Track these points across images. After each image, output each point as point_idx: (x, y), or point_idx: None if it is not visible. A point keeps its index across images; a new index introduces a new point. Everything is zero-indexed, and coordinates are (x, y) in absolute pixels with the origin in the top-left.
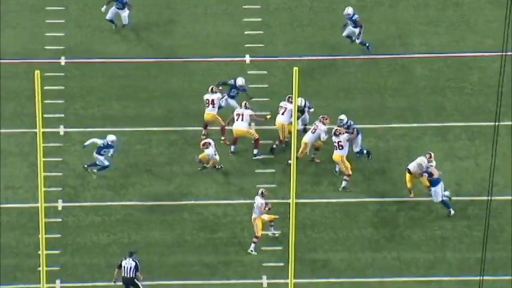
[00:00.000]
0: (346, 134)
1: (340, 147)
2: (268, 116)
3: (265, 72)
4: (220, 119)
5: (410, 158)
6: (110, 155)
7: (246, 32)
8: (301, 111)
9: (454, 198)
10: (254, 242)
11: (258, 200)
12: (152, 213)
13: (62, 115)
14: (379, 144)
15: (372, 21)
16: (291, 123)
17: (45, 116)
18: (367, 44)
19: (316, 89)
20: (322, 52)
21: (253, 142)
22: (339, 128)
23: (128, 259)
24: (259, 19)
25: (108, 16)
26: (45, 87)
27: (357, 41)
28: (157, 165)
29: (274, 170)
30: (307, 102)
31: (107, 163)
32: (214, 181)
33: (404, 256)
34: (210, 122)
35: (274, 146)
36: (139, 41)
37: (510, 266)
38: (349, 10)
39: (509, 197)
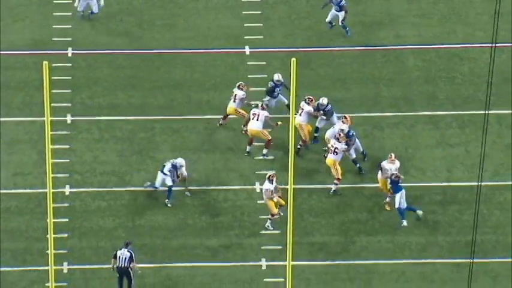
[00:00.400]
0: (345, 145)
1: (335, 153)
2: (279, 122)
3: (264, 63)
4: (242, 112)
5: (404, 145)
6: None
7: (245, 25)
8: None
9: (445, 183)
10: (270, 219)
11: (265, 185)
12: (155, 199)
13: (69, 104)
14: (374, 132)
15: (366, 14)
16: (308, 123)
17: (53, 105)
18: (347, 29)
19: (313, 79)
20: (319, 43)
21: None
22: (342, 134)
23: (123, 249)
24: (259, 12)
25: (81, 7)
26: (53, 78)
27: (340, 24)
28: (160, 153)
29: (273, 157)
30: (329, 105)
31: (170, 183)
32: (215, 168)
33: (397, 239)
34: (231, 114)
35: (299, 147)
36: (143, 34)
37: (499, 249)
38: None
39: (498, 183)
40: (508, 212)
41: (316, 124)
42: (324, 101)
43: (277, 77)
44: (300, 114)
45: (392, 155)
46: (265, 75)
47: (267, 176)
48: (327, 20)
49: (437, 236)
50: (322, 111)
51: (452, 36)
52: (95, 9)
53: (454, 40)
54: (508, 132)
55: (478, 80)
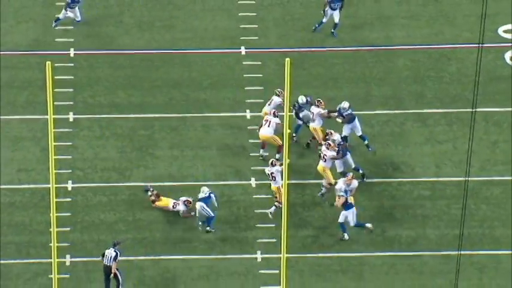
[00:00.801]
0: (333, 152)
1: (324, 159)
2: (288, 131)
3: (259, 62)
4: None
5: (394, 142)
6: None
7: (241, 26)
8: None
9: (433, 179)
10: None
11: (267, 169)
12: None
13: (71, 103)
14: (365, 129)
15: (357, 16)
16: (322, 126)
17: (55, 103)
18: (334, 30)
19: (306, 79)
20: (312, 44)
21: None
22: (332, 143)
23: (111, 249)
24: (254, 14)
25: (62, 16)
26: (55, 77)
27: (337, 21)
28: (159, 149)
29: (267, 154)
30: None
31: (212, 214)
32: (212, 164)
33: (388, 233)
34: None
35: (309, 142)
36: (142, 34)
37: (485, 242)
38: None
39: (485, 178)
40: (494, 206)
41: (343, 133)
42: (345, 104)
43: (300, 100)
44: (313, 119)
45: (350, 174)
46: (260, 75)
47: (270, 161)
48: (325, 20)
49: (426, 229)
50: (342, 116)
51: (441, 37)
52: (78, 18)
53: (442, 41)
54: (494, 129)
55: (465, 80)
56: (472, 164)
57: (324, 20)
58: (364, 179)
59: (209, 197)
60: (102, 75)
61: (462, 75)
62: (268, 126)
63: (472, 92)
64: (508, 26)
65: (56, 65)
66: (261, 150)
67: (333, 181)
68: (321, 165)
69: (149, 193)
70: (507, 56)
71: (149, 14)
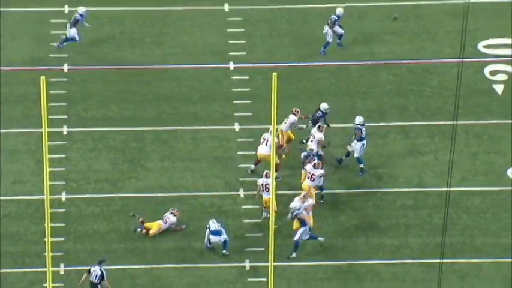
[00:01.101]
0: (322, 171)
1: (312, 179)
2: (286, 151)
3: (247, 77)
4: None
5: (378, 153)
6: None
7: (230, 42)
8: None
9: (416, 189)
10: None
11: (261, 180)
12: (146, 204)
13: (65, 116)
14: (350, 141)
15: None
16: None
17: (50, 117)
18: (325, 48)
19: (293, 93)
20: (298, 59)
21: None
22: (318, 162)
23: (96, 266)
24: (242, 30)
25: (70, 34)
26: (50, 92)
27: (339, 41)
28: (150, 161)
29: (255, 167)
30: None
31: (227, 238)
32: (202, 176)
33: (372, 241)
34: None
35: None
36: (133, 50)
37: (466, 250)
38: (340, 10)
39: (466, 188)
40: (475, 216)
41: (348, 148)
42: (358, 119)
43: (325, 105)
44: (312, 140)
45: (303, 193)
46: (248, 89)
47: (264, 173)
48: (330, 38)
49: (409, 238)
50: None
51: (422, 52)
52: (77, 38)
53: (423, 56)
54: (475, 141)
55: (446, 93)
56: (453, 175)
57: (330, 39)
58: (323, 200)
59: (221, 230)
60: (94, 89)
61: (443, 89)
62: (266, 145)
63: (453, 105)
64: (488, 42)
65: (50, 80)
66: (253, 166)
67: (315, 202)
68: (308, 184)
69: (138, 230)
70: (486, 70)
71: (140, 31)
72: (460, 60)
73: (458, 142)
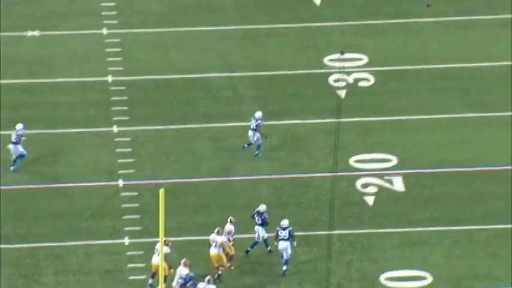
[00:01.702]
0: (223, 237)
1: (215, 246)
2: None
3: (136, 193)
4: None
5: (259, 264)
6: None
7: (118, 161)
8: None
9: None
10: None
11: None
12: None
13: None
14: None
15: (225, 149)
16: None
17: None
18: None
19: (179, 207)
20: (183, 175)
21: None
22: (220, 229)
23: None
24: (130, 149)
25: (19, 152)
26: None
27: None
28: (44, 276)
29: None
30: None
31: None
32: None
33: None
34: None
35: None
36: (28, 171)
37: None
38: (259, 114)
39: None
40: None
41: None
42: (285, 221)
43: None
44: (215, 246)
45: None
46: (137, 204)
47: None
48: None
49: None
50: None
51: (300, 167)
52: (25, 152)
53: (300, 170)
54: (349, 249)
55: (322, 205)
56: (330, 282)
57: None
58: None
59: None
60: None
61: (318, 201)
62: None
63: (327, 216)
64: (358, 157)
65: None
66: (151, 280)
67: (228, 265)
68: (215, 252)
69: None
70: (358, 183)
71: (33, 152)
72: (334, 174)
73: (334, 250)
